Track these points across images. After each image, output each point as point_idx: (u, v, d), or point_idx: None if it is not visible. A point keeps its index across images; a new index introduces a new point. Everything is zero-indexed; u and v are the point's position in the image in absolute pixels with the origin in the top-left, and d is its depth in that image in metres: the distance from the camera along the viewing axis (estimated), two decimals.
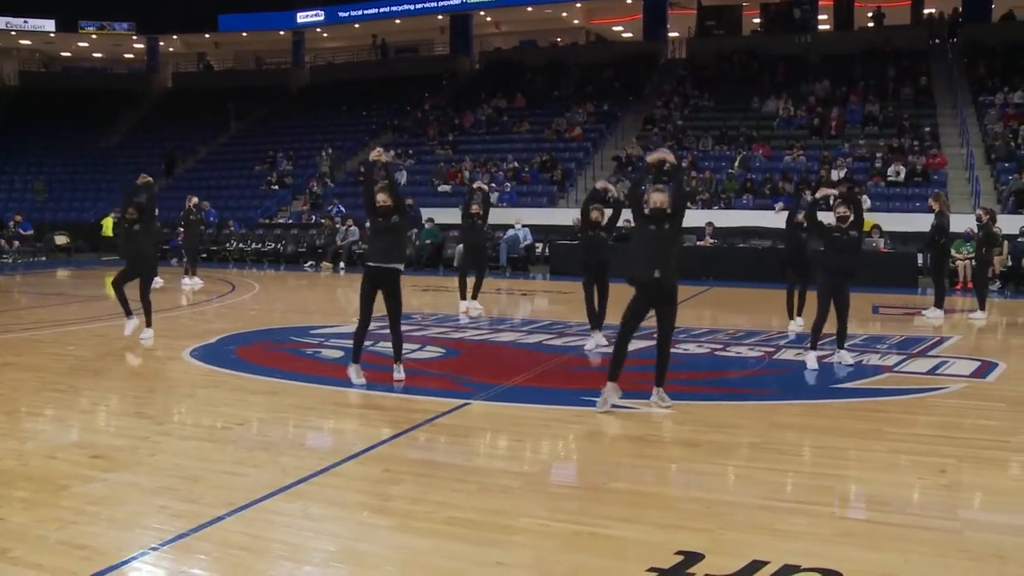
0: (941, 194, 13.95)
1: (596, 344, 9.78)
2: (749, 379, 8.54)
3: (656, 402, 6.97)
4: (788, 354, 9.62)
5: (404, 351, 8.20)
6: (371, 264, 7.87)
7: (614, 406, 6.83)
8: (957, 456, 5.72)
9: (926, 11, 30.15)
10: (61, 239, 26.87)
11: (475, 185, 13.76)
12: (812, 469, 5.56)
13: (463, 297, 12.82)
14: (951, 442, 6.12)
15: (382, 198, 7.83)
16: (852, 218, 8.80)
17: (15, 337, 10.63)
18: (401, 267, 7.95)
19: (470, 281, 12.76)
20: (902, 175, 21.81)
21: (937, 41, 28.94)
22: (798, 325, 11.12)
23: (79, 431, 6.47)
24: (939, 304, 12.83)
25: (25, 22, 38.80)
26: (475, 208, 12.52)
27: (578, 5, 34.97)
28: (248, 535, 4.35)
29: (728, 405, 7.41)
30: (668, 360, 7.03)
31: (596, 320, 9.95)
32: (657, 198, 6.85)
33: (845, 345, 8.92)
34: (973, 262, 14.83)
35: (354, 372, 7.81)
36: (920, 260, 17.35)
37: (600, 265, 9.88)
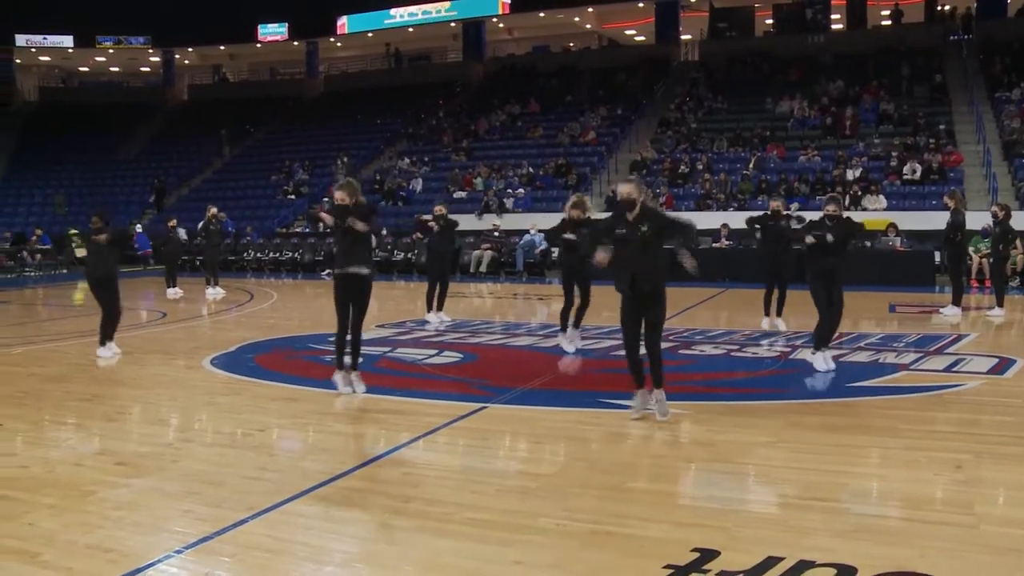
0: (956, 191, 13.89)
1: (570, 341, 9.89)
2: (765, 379, 8.55)
3: (654, 407, 6.68)
4: (804, 354, 9.60)
5: (421, 356, 8.22)
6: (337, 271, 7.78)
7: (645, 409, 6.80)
8: (974, 452, 5.72)
9: (941, 7, 30.02)
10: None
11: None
12: (828, 467, 5.57)
13: (430, 309, 12.50)
14: (968, 438, 6.11)
15: (339, 196, 7.62)
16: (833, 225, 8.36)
17: (39, 348, 10.78)
18: (363, 271, 7.67)
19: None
20: (918, 173, 21.74)
21: (952, 38, 28.80)
22: (768, 324, 11.25)
23: (103, 439, 6.56)
24: (956, 302, 12.79)
25: (44, 39, 39.35)
26: (439, 210, 12.54)
27: (590, 10, 35.05)
28: (271, 537, 4.42)
29: (744, 405, 7.43)
30: (660, 360, 6.69)
31: (565, 322, 10.02)
32: (624, 189, 6.68)
33: (828, 346, 8.63)
34: (990, 259, 14.77)
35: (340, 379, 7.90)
36: (937, 258, 17.28)
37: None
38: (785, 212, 11.28)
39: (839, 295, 8.45)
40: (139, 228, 26.87)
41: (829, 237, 8.29)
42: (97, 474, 5.54)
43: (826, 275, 8.40)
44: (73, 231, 26.10)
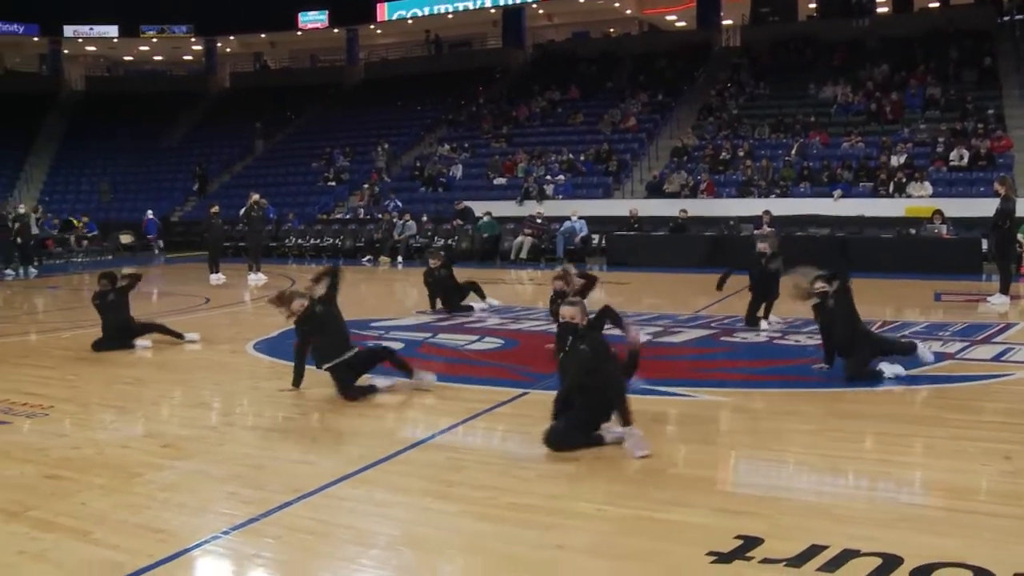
0: (1007, 177, 13.57)
1: None
2: (808, 367, 8.45)
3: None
4: None
5: (462, 342, 8.24)
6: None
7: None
8: (1023, 442, 5.62)
9: None
10: (126, 238, 27.58)
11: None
12: (872, 455, 5.52)
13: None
14: (1017, 428, 6.00)
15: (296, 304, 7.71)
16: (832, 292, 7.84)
17: (86, 333, 10.96)
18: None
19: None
20: (965, 159, 21.28)
21: (1004, 19, 28.06)
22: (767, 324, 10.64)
23: (149, 422, 6.68)
24: (1004, 290, 12.53)
25: (91, 29, 40.00)
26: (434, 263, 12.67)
27: None
28: (315, 520, 4.48)
29: (787, 392, 7.37)
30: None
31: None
32: (566, 311, 6.08)
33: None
34: None
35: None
36: (984, 246, 16.94)
37: None
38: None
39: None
40: (150, 214, 27.27)
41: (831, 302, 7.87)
42: (144, 456, 5.65)
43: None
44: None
